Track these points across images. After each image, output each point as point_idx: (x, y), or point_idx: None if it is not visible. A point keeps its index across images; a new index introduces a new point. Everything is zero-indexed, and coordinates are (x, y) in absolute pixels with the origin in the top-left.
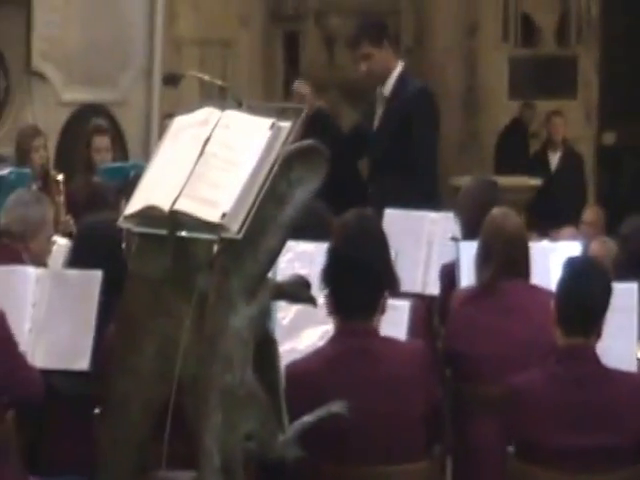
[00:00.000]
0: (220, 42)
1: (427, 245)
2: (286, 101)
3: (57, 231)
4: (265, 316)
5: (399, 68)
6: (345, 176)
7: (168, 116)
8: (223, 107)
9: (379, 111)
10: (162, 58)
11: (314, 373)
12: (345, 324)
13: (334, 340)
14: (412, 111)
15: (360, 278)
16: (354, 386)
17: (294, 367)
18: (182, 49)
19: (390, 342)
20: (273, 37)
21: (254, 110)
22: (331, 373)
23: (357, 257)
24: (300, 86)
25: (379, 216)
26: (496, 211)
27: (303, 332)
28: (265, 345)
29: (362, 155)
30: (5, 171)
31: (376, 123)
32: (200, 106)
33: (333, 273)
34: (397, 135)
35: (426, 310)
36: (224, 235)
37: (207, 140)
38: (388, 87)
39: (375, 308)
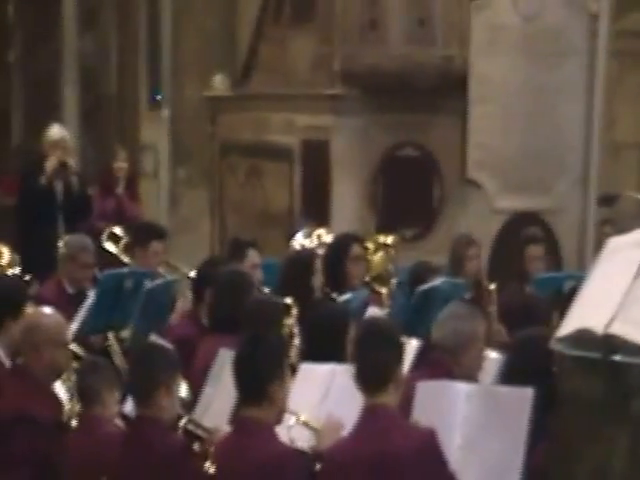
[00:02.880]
0: None
1: None
2: None
3: (488, 341)
4: None
5: None
6: None
7: (604, 222)
8: None
9: None
10: (599, 164)
11: None
12: None
13: None
14: None
15: None
16: None
17: None
18: (620, 154)
19: None
20: None
21: None
22: None
23: None
24: None
25: None
26: None
27: None
28: None
29: None
30: (438, 281)
31: None
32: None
33: None
34: None
35: None
36: None
37: None
38: None
39: None
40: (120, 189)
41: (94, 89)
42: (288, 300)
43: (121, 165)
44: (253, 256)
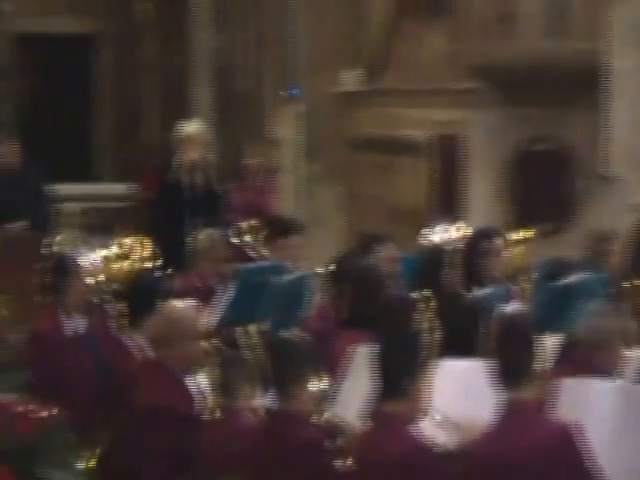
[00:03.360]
0: None
1: None
2: None
3: (631, 338)
4: None
5: None
6: None
7: None
8: None
9: None
10: None
11: None
12: None
13: None
14: None
15: None
16: None
17: None
18: None
19: None
20: None
21: None
22: None
23: None
24: None
25: None
26: None
27: None
28: None
29: None
30: (577, 277)
31: None
32: None
33: None
34: None
35: None
36: None
37: None
38: None
39: None
40: (257, 184)
41: (227, 86)
42: (427, 294)
43: (257, 160)
44: (391, 249)
